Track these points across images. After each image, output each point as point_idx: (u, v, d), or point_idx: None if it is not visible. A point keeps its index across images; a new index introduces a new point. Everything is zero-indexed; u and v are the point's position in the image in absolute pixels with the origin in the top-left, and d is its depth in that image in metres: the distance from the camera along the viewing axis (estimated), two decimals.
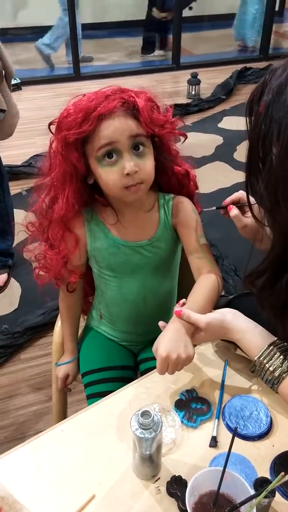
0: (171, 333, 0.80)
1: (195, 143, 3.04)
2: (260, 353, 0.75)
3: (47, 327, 1.78)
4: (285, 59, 0.65)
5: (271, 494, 0.62)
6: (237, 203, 0.91)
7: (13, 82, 3.83)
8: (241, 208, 0.91)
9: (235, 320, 0.80)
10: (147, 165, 0.87)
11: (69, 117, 0.83)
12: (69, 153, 0.85)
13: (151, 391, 0.82)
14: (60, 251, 0.95)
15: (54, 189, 0.90)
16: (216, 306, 0.93)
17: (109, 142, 0.83)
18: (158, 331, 0.89)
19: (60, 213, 0.90)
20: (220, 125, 3.39)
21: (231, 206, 0.90)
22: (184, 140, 0.96)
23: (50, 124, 0.88)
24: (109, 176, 0.86)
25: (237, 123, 3.28)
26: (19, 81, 3.94)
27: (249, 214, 0.89)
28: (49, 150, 0.88)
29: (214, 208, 0.95)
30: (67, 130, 0.83)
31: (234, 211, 0.90)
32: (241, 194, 0.92)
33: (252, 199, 0.89)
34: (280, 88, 0.62)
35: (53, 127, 0.88)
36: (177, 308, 0.83)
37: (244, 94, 3.80)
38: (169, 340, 0.79)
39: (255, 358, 0.76)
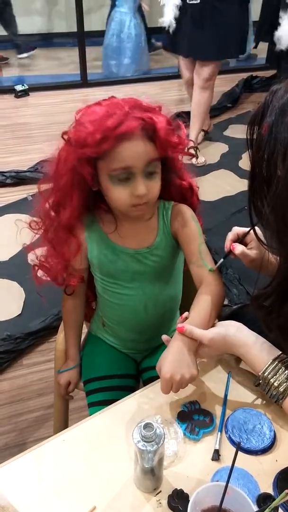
0: (174, 352, 0.80)
1: (200, 151, 3.04)
2: (265, 368, 0.75)
3: (49, 332, 1.78)
4: (286, 80, 0.65)
5: (274, 510, 0.61)
6: (237, 240, 0.90)
7: (21, 88, 3.91)
8: (242, 242, 0.90)
9: (238, 335, 0.79)
10: (156, 186, 0.88)
11: (86, 134, 0.80)
12: (81, 168, 0.84)
13: (153, 402, 0.82)
14: (63, 254, 0.95)
15: (60, 194, 0.90)
16: (220, 316, 0.93)
17: (125, 167, 0.83)
18: (161, 339, 0.89)
19: (69, 220, 0.91)
20: (226, 133, 3.39)
21: (234, 245, 0.89)
22: (191, 158, 0.96)
23: (63, 133, 0.86)
24: (119, 194, 0.86)
25: (243, 131, 3.28)
26: (27, 87, 3.97)
27: (252, 244, 0.89)
28: (58, 158, 0.87)
29: (222, 260, 0.93)
30: (83, 147, 0.81)
31: (238, 248, 0.88)
32: (236, 230, 0.91)
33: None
34: (284, 108, 0.62)
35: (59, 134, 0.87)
36: (179, 324, 0.83)
37: (250, 102, 3.81)
38: (172, 360, 0.79)
39: (260, 373, 0.75)
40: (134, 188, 0.84)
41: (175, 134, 0.88)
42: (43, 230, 0.95)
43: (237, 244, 0.89)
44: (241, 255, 0.89)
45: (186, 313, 0.88)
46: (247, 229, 0.89)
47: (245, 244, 0.90)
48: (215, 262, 0.97)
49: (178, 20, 2.63)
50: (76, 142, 0.82)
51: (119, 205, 0.88)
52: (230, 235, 0.91)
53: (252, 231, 0.86)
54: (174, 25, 2.61)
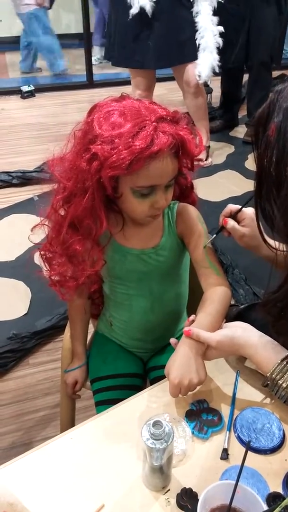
0: (182, 357, 0.80)
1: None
2: (273, 369, 0.74)
3: (55, 331, 1.78)
4: None
5: (285, 510, 0.60)
6: (230, 216, 0.91)
7: (27, 88, 3.93)
8: (236, 220, 0.91)
9: (246, 336, 0.79)
10: (171, 195, 0.88)
11: (117, 157, 0.76)
12: (105, 182, 0.80)
13: (161, 400, 0.82)
14: (86, 266, 0.91)
15: (85, 208, 0.83)
16: (227, 316, 0.93)
17: (151, 185, 0.82)
18: (168, 338, 0.89)
19: (101, 231, 0.86)
20: (232, 133, 3.39)
21: (226, 219, 0.90)
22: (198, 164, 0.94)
23: (88, 143, 0.80)
24: (139, 206, 0.86)
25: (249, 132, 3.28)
26: (33, 87, 3.99)
27: (244, 222, 0.90)
28: (79, 168, 0.81)
29: (215, 235, 0.94)
30: (113, 169, 0.77)
31: (230, 223, 0.89)
32: (230, 206, 0.92)
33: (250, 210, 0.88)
34: None
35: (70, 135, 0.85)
36: (186, 327, 0.83)
37: None
38: (180, 365, 0.79)
39: (268, 374, 0.75)
40: (155, 202, 0.85)
41: (196, 144, 0.86)
42: (59, 250, 0.91)
43: (229, 219, 0.90)
44: (231, 229, 0.89)
45: (192, 316, 0.87)
46: (240, 206, 0.90)
47: (238, 222, 0.90)
48: (221, 263, 0.97)
49: (129, 33, 2.46)
50: (106, 164, 0.77)
51: (136, 215, 0.88)
52: (224, 211, 0.92)
53: (244, 210, 0.88)
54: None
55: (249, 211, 0.89)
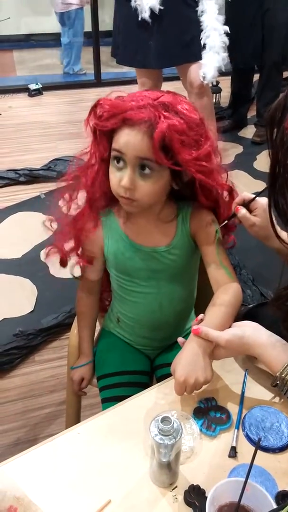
0: (189, 355, 0.79)
1: None
2: (282, 369, 0.74)
3: (61, 329, 1.79)
4: None
5: None
6: (243, 204, 0.91)
7: (35, 87, 3.94)
8: (248, 209, 0.90)
9: (255, 336, 0.78)
10: (146, 188, 0.85)
11: (101, 107, 0.84)
12: (100, 139, 0.86)
13: (169, 397, 0.81)
14: (81, 228, 0.95)
15: (89, 165, 0.90)
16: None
17: (119, 150, 0.83)
18: (175, 337, 0.89)
19: (93, 191, 0.91)
20: (240, 133, 3.38)
21: (238, 207, 0.90)
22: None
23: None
24: (112, 177, 0.87)
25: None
26: (40, 86, 4.00)
27: (256, 212, 0.89)
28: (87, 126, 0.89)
29: (226, 221, 0.93)
30: (96, 119, 0.84)
31: (241, 211, 0.89)
32: (244, 195, 0.91)
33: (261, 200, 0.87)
34: None
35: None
36: (194, 326, 0.82)
37: None
38: (186, 363, 0.78)
39: (277, 374, 0.74)
40: (121, 177, 0.85)
41: (193, 148, 0.83)
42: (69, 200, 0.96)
43: (241, 207, 0.90)
44: (242, 217, 0.89)
45: (201, 315, 0.87)
46: (253, 196, 0.90)
47: (250, 211, 0.90)
48: (231, 265, 0.96)
49: (129, 32, 2.43)
50: (94, 112, 0.85)
51: (112, 189, 0.89)
52: (237, 199, 0.92)
53: (258, 199, 0.88)
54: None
55: (262, 201, 0.88)
